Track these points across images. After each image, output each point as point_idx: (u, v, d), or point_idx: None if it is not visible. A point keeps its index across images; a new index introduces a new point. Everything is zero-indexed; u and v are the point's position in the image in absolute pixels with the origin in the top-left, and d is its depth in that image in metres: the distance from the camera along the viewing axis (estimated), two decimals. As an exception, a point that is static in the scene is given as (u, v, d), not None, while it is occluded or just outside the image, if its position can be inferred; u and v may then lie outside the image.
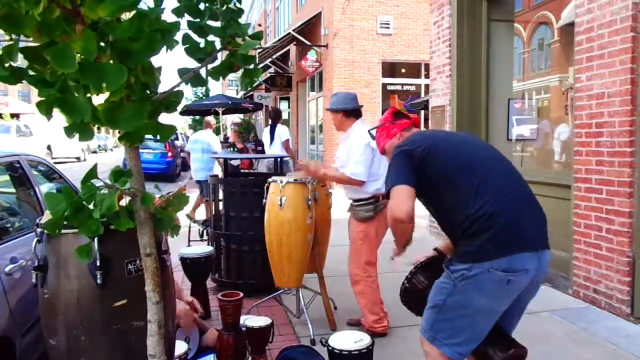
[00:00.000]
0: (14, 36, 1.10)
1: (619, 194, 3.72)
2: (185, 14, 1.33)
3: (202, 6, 1.31)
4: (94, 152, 35.75)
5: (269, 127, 7.48)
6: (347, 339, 2.50)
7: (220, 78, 1.43)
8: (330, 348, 2.46)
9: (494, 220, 1.89)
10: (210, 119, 8.80)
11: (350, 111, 3.50)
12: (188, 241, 5.34)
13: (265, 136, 7.70)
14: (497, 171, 2.05)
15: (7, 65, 1.12)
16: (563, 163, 5.54)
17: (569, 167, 4.14)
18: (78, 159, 22.83)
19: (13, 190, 3.19)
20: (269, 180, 3.58)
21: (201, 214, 5.68)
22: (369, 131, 2.56)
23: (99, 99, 1.25)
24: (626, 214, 3.67)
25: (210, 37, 1.37)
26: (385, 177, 2.14)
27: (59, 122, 1.21)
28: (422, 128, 13.06)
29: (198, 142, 7.50)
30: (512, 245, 1.89)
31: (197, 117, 23.18)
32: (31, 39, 1.13)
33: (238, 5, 1.37)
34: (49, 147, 18.96)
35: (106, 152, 37.85)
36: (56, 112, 1.19)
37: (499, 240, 1.88)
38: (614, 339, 3.36)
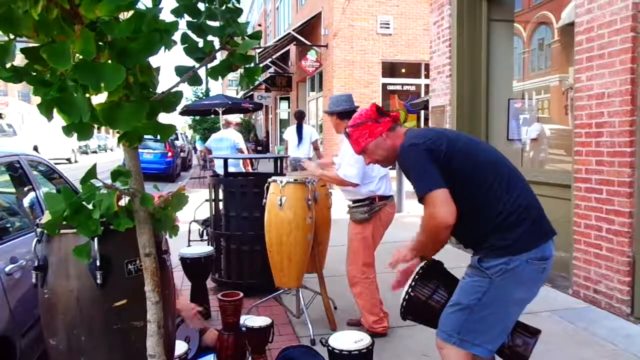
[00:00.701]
0: (11, 36, 1.10)
1: (619, 194, 3.72)
2: (184, 14, 1.33)
3: (201, 6, 1.31)
4: (94, 152, 35.62)
5: (294, 127, 7.69)
6: (347, 339, 2.50)
7: (220, 78, 1.43)
8: (330, 348, 2.46)
9: (528, 212, 1.95)
10: (231, 118, 9.08)
11: (343, 113, 3.52)
12: (188, 241, 5.34)
13: (290, 135, 7.92)
14: (512, 167, 2.09)
15: (8, 65, 1.12)
16: (530, 160, 5.56)
17: (539, 165, 4.18)
18: (68, 160, 21.80)
19: (13, 190, 3.19)
20: (269, 180, 3.59)
21: (202, 213, 5.68)
22: (345, 129, 2.33)
23: (98, 99, 1.25)
24: (626, 214, 3.66)
25: (209, 37, 1.37)
26: (412, 178, 2.01)
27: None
28: (422, 127, 13.09)
29: (224, 140, 7.71)
30: (543, 235, 1.97)
31: (197, 117, 23.18)
32: (30, 39, 1.13)
33: (236, 4, 1.37)
34: (35, 148, 18.28)
35: (106, 152, 37.76)
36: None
37: (534, 231, 1.94)
38: (614, 339, 3.36)
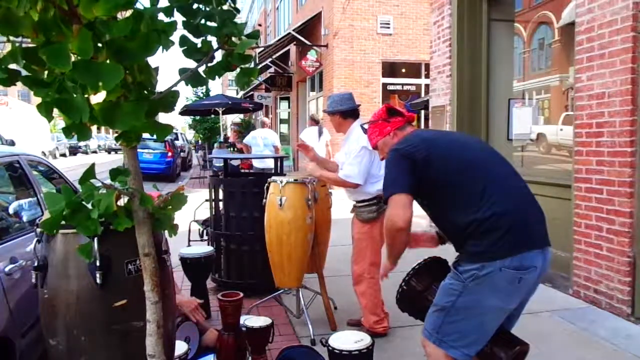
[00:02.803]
0: (12, 38, 1.10)
1: (619, 194, 3.71)
2: (181, 14, 1.32)
3: (195, 6, 1.31)
4: (94, 152, 35.45)
5: (315, 128, 9.01)
6: (347, 339, 2.50)
7: (217, 77, 1.42)
8: (330, 348, 2.46)
9: (503, 221, 1.91)
10: (266, 119, 10.87)
11: (347, 112, 3.47)
12: (188, 241, 5.33)
13: (309, 136, 9.16)
14: (499, 172, 2.07)
15: (2, 67, 1.12)
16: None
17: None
18: None
19: (13, 190, 3.18)
20: (269, 180, 3.58)
21: (202, 213, 5.68)
22: (361, 125, 2.53)
23: (96, 99, 1.25)
24: (627, 214, 3.66)
25: (207, 37, 1.37)
26: (384, 180, 2.12)
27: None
28: (422, 127, 13.09)
29: (266, 139, 9.15)
30: (522, 244, 1.92)
31: (197, 117, 23.18)
32: (28, 40, 1.12)
33: (232, 4, 1.36)
34: None
35: (108, 153, 37.55)
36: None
37: (509, 239, 1.90)
38: (615, 339, 3.35)
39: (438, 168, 2.02)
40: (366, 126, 2.46)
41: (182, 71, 1.40)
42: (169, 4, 1.29)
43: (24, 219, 2.91)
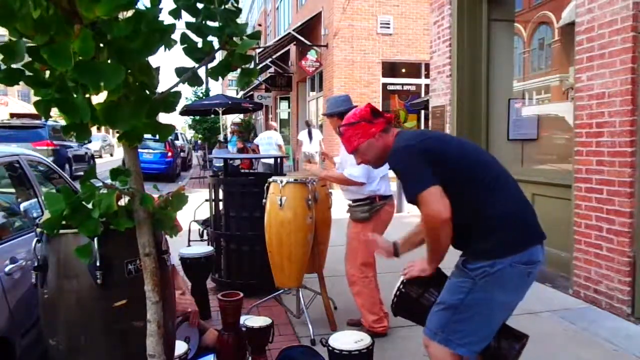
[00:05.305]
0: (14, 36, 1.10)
1: (619, 194, 3.71)
2: (183, 15, 1.32)
3: (199, 5, 1.30)
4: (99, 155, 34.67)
5: (306, 131, 10.20)
6: (347, 339, 2.50)
7: (220, 78, 1.42)
8: (330, 348, 2.46)
9: (513, 216, 1.94)
10: (273, 123, 12.57)
11: (344, 113, 3.47)
12: (188, 241, 5.34)
13: (303, 137, 10.48)
14: (502, 170, 2.09)
15: (4, 66, 1.11)
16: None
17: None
18: None
19: (13, 190, 3.18)
20: (269, 180, 3.58)
21: (202, 213, 5.68)
22: (338, 127, 2.35)
23: (97, 99, 1.24)
24: (627, 214, 3.66)
25: (209, 37, 1.37)
26: (404, 181, 2.01)
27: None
28: (422, 127, 13.08)
29: (271, 139, 10.59)
30: (529, 239, 1.95)
31: (197, 117, 23.17)
32: (29, 38, 1.12)
33: (235, 5, 1.36)
34: None
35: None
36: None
37: (518, 235, 1.93)
38: (615, 339, 3.35)
39: (454, 162, 1.99)
40: (342, 128, 2.25)
41: (180, 71, 1.39)
42: (175, 6, 1.29)
43: (25, 219, 2.91)
